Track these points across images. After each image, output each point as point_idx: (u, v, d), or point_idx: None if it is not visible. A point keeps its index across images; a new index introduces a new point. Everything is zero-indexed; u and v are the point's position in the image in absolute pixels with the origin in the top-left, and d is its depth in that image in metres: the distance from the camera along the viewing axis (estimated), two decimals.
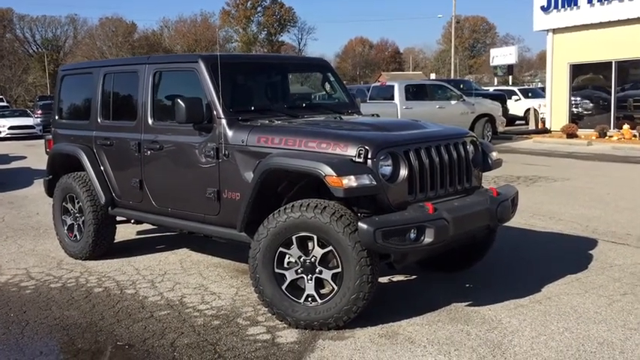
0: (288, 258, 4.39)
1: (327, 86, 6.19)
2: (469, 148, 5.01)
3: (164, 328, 4.46)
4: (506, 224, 7.29)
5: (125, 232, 7.36)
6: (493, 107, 19.19)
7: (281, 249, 4.36)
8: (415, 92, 17.91)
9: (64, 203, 6.49)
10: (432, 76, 57.85)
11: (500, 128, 19.42)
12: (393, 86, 17.72)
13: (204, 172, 5.10)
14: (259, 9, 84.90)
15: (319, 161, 4.21)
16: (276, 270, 4.39)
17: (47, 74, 75.66)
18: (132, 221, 6.23)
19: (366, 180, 4.16)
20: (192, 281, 5.55)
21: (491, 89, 28.74)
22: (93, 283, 5.61)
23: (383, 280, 5.47)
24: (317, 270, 4.32)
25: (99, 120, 6.10)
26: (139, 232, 7.54)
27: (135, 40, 79.46)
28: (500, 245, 6.51)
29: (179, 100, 4.93)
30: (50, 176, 6.69)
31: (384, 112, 16.86)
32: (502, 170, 12.26)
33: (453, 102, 18.03)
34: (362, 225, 4.00)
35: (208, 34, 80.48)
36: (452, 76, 51.34)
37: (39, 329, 4.55)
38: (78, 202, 6.28)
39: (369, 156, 4.23)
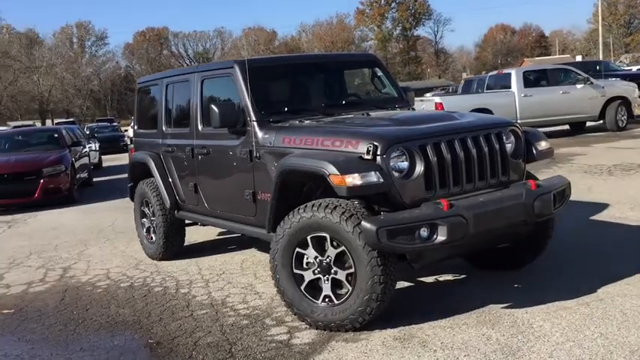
0: (306, 258, 4.37)
1: (377, 82, 6.08)
2: (507, 138, 4.68)
3: (195, 327, 4.65)
4: (595, 217, 6.89)
5: (207, 233, 7.74)
6: (627, 89, 17.56)
7: (298, 249, 4.36)
8: (535, 78, 16.88)
9: (142, 207, 6.96)
10: (578, 58, 54.22)
11: (638, 111, 17.77)
12: (509, 74, 16.85)
13: (241, 174, 5.23)
14: (393, 5, 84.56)
15: (325, 160, 4.16)
16: (295, 270, 4.39)
17: None
18: (199, 224, 6.53)
19: (373, 178, 4.04)
20: (244, 281, 5.70)
21: (634, 69, 26.33)
22: (156, 282, 5.96)
23: (427, 279, 5.29)
24: (332, 270, 4.26)
25: (164, 128, 6.47)
26: (220, 234, 7.86)
27: (275, 47, 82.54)
28: (575, 240, 6.04)
29: (213, 106, 5.11)
30: (131, 183, 7.19)
31: (499, 102, 16.15)
32: (624, 157, 11.29)
33: (578, 86, 16.74)
34: (365, 224, 3.90)
35: (344, 34, 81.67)
36: (600, 57, 47.70)
37: (90, 326, 4.92)
38: (151, 206, 6.70)
39: (379, 152, 4.11)
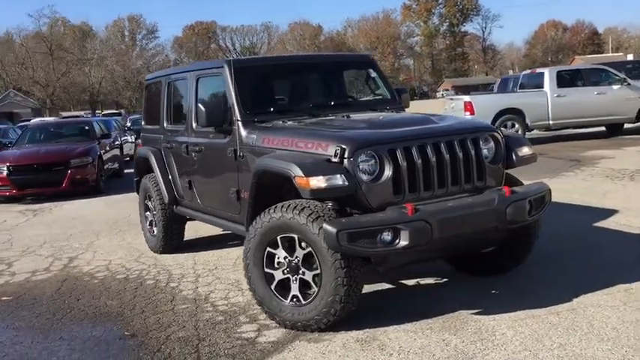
0: (277, 258, 4.43)
1: (371, 83, 6.08)
2: (486, 143, 4.64)
3: (172, 322, 4.77)
4: (599, 223, 6.73)
5: (212, 227, 7.86)
6: None
7: (269, 249, 4.42)
8: (569, 78, 16.48)
9: (145, 201, 7.14)
10: (630, 56, 52.58)
11: None
12: (543, 73, 16.50)
13: (228, 172, 5.33)
14: (440, 0, 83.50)
15: (292, 162, 4.21)
16: (266, 270, 4.46)
17: None
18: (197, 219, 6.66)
19: (338, 180, 4.08)
20: (232, 277, 5.80)
21: None
22: (150, 275, 6.12)
23: (409, 282, 5.29)
24: (300, 271, 4.31)
25: (165, 125, 6.62)
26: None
27: (320, 42, 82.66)
28: (569, 246, 5.94)
29: (200, 105, 5.22)
30: (137, 177, 7.39)
31: (530, 102, 15.86)
32: None
33: (615, 87, 16.28)
34: (326, 226, 3.93)
35: (390, 30, 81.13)
36: None
37: (76, 316, 5.10)
38: (152, 201, 6.87)
39: (346, 155, 4.14)
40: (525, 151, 4.88)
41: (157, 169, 6.61)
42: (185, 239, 7.12)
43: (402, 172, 4.23)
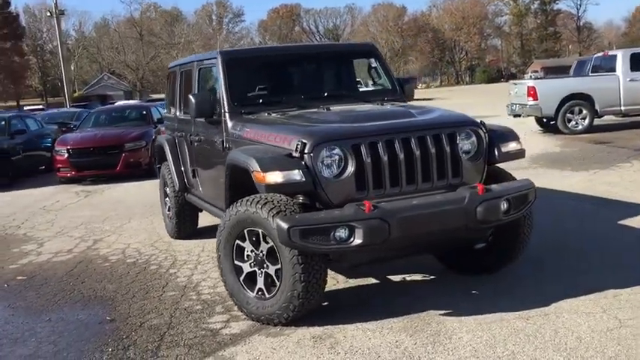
0: (246, 251, 4.46)
1: (373, 73, 5.95)
2: (467, 138, 4.45)
3: (153, 308, 4.91)
4: (625, 221, 6.33)
5: None
6: None
7: (238, 242, 4.44)
8: None
9: (164, 187, 7.35)
10: None
11: None
12: (615, 56, 15.53)
13: (218, 163, 5.39)
14: None
15: (252, 156, 4.21)
16: (235, 262, 4.49)
17: None
18: None
19: (296, 176, 4.04)
20: None
21: None
22: (157, 261, 6.31)
23: (395, 277, 5.19)
24: (265, 265, 4.32)
25: (177, 113, 6.77)
26: None
27: (404, 23, 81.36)
28: (579, 245, 5.66)
29: (190, 96, 5.30)
30: (158, 164, 7.61)
31: (600, 87, 15.01)
32: None
33: None
34: (278, 222, 3.91)
35: (477, 9, 78.68)
36: None
37: (73, 298, 5.34)
38: (168, 188, 7.06)
39: (306, 150, 4.09)
40: (512, 146, 4.65)
41: (170, 157, 6.78)
42: (202, 226, 7.27)
43: (365, 168, 4.14)
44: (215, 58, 5.49)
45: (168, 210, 7.28)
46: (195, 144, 6.02)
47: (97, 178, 12.95)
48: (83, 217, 9.00)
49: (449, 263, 5.19)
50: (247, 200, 4.29)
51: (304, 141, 4.12)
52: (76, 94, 56.70)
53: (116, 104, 24.52)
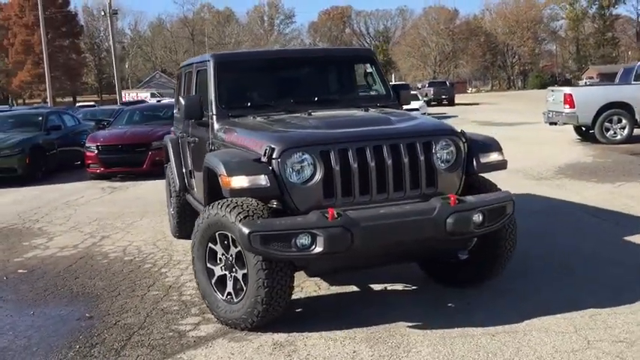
0: (218, 254, 4.46)
1: (368, 78, 5.88)
2: (445, 148, 4.35)
3: (133, 307, 4.96)
4: (630, 237, 6.07)
5: None
6: None
7: (210, 245, 4.45)
8: None
9: (169, 186, 7.44)
10: None
11: None
12: None
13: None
14: None
15: (221, 160, 4.21)
16: (208, 264, 4.50)
17: None
18: None
19: (261, 181, 4.03)
20: None
21: None
22: (153, 259, 6.39)
23: (376, 287, 5.11)
24: (234, 269, 4.32)
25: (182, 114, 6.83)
26: None
27: (455, 27, 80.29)
28: (575, 260, 5.47)
29: (180, 98, 5.35)
30: (165, 163, 7.71)
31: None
32: None
33: None
34: (240, 226, 3.90)
35: (531, 13, 76.99)
36: None
37: (61, 294, 5.43)
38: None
39: (274, 156, 4.07)
40: (493, 157, 4.53)
41: (172, 157, 6.86)
42: None
43: (334, 175, 4.09)
44: (208, 60, 5.52)
45: (172, 209, 7.36)
46: (192, 145, 6.07)
47: (126, 175, 13.23)
48: (100, 214, 9.19)
49: (432, 274, 5.08)
50: (219, 203, 4.30)
51: (272, 146, 4.10)
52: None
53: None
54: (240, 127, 4.86)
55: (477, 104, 42.13)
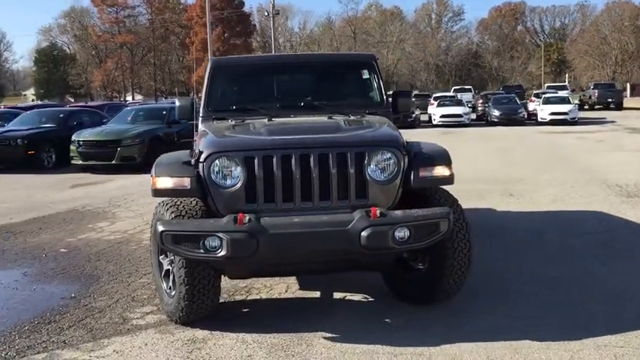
0: None
1: (366, 84, 5.76)
2: (381, 160, 4.19)
3: (113, 292, 5.37)
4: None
5: None
6: None
7: None
8: None
9: None
10: None
11: None
12: None
13: None
14: None
15: (158, 160, 4.43)
16: (159, 258, 4.73)
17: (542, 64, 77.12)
18: None
19: (185, 183, 4.18)
20: None
21: None
22: None
23: (338, 295, 5.05)
24: (172, 264, 4.52)
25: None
26: None
27: None
28: (536, 283, 5.00)
29: (176, 99, 5.65)
30: None
31: None
32: None
33: None
34: (156, 224, 4.10)
35: None
36: None
37: (70, 275, 5.95)
38: None
39: (201, 159, 4.20)
40: (436, 171, 4.26)
41: None
42: None
43: (256, 181, 4.13)
44: (209, 64, 5.77)
45: None
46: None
47: None
48: None
49: (390, 287, 4.91)
50: (161, 202, 4.53)
51: (201, 150, 4.24)
52: None
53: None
54: (208, 130, 5.04)
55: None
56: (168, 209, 4.34)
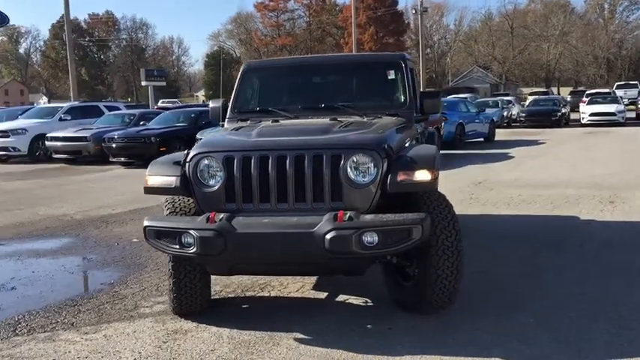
0: None
1: (392, 85, 5.60)
2: (359, 163, 4.11)
3: (145, 281, 5.73)
4: None
5: None
6: None
7: None
8: None
9: None
10: None
11: None
12: None
13: None
14: None
15: (155, 160, 4.67)
16: None
17: None
18: None
19: (171, 182, 4.38)
20: None
21: None
22: None
23: (341, 297, 5.02)
24: None
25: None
26: None
27: None
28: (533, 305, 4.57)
29: (211, 102, 5.92)
30: None
31: None
32: None
33: None
34: (145, 220, 4.34)
35: None
36: None
37: (123, 263, 6.42)
38: None
39: (187, 159, 4.39)
40: (416, 175, 4.07)
41: None
42: None
43: (235, 182, 4.23)
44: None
45: None
46: None
47: None
48: None
49: (389, 293, 4.76)
50: (165, 199, 4.79)
51: (189, 150, 4.42)
52: (446, 86, 59.79)
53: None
54: (220, 131, 5.23)
55: None
56: (166, 206, 4.58)
